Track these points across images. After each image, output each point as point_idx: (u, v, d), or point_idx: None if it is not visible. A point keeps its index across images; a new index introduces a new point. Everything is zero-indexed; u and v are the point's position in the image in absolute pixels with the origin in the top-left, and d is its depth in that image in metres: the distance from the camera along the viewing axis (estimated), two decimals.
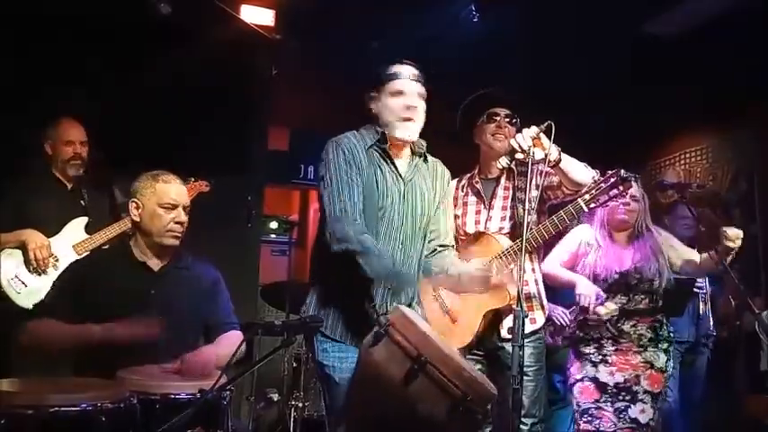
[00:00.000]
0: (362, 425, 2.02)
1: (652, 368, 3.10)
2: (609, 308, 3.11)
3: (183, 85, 4.18)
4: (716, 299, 3.98)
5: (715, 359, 3.98)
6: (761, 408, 3.56)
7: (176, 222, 2.54)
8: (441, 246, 2.52)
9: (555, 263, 3.17)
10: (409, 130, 2.38)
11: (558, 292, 3.22)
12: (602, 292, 3.07)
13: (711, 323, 3.87)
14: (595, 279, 3.11)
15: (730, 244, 2.95)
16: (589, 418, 3.05)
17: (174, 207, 2.54)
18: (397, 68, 2.38)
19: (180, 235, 2.56)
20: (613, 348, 3.10)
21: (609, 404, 3.05)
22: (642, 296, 3.13)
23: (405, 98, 2.36)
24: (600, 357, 3.10)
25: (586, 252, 3.18)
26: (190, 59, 4.12)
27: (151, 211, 2.53)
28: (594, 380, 3.08)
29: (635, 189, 3.13)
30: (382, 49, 4.72)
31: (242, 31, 4.46)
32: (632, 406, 3.05)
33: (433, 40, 4.42)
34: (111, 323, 2.34)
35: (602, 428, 3.03)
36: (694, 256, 3.20)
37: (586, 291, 3.04)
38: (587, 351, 3.14)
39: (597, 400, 3.06)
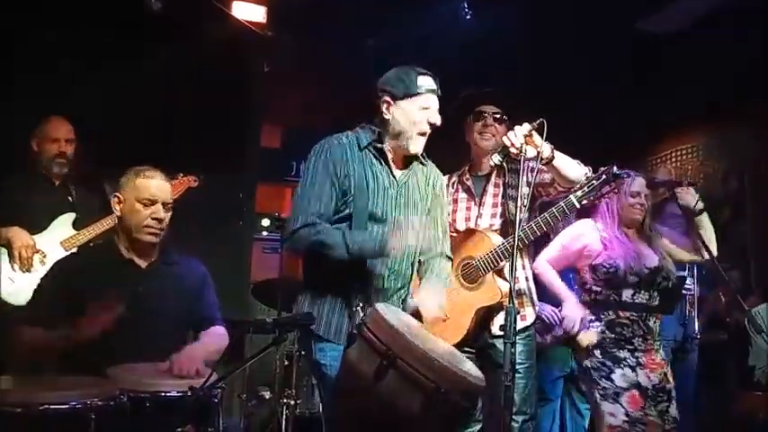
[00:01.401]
0: (345, 424, 2.02)
1: (668, 364, 3.11)
2: (590, 337, 3.04)
3: (174, 81, 4.17)
4: (704, 299, 3.99)
5: (704, 357, 3.99)
6: (752, 404, 3.57)
7: (153, 218, 2.48)
8: (431, 255, 2.51)
9: (545, 263, 3.09)
10: (422, 144, 2.40)
11: (546, 290, 3.20)
12: (587, 317, 3.04)
13: (697, 326, 3.87)
14: (630, 271, 3.03)
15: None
16: (642, 427, 2.96)
17: (153, 203, 2.49)
18: (424, 81, 2.36)
19: (158, 231, 2.51)
20: (643, 349, 3.04)
21: (652, 408, 2.98)
22: (657, 293, 3.10)
23: (430, 114, 2.36)
24: (635, 361, 3.02)
25: (608, 245, 3.10)
26: (181, 56, 4.11)
27: (130, 207, 2.50)
28: (638, 386, 2.99)
29: (643, 187, 3.13)
30: (377, 47, 4.72)
31: (233, 27, 4.44)
32: (671, 405, 3.01)
33: (428, 39, 4.42)
34: (77, 322, 2.30)
35: None
36: (685, 251, 3.23)
37: (572, 314, 3.00)
38: (623, 356, 3.02)
39: (643, 407, 2.97)
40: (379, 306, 2.06)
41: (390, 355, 1.87)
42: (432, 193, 2.52)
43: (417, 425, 1.90)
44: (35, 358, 2.35)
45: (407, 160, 2.45)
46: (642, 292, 3.07)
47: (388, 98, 2.37)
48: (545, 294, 3.18)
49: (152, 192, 2.49)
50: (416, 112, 2.34)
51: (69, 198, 3.43)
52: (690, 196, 3.15)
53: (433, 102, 2.37)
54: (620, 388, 2.99)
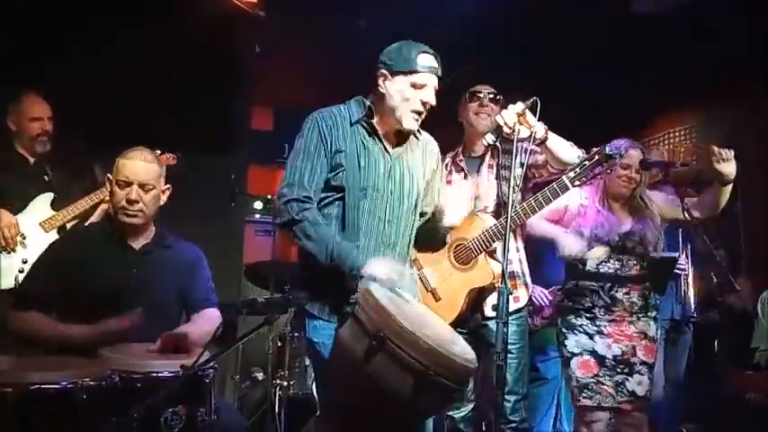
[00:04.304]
0: (335, 403, 2.03)
1: (646, 338, 3.08)
2: (597, 252, 3.03)
3: (165, 61, 4.12)
4: (698, 278, 4.01)
5: (697, 337, 4.02)
6: (742, 383, 3.60)
7: (128, 200, 2.45)
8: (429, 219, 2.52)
9: (537, 216, 3.03)
10: (417, 122, 2.37)
11: (538, 272, 3.19)
12: (583, 241, 3.01)
13: (693, 305, 3.89)
14: (596, 239, 3.05)
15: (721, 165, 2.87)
16: (590, 393, 3.00)
17: (128, 184, 2.46)
18: (424, 60, 2.30)
19: (135, 213, 2.47)
20: (607, 319, 3.05)
21: (608, 378, 3.01)
22: (634, 261, 3.10)
23: (425, 93, 2.31)
24: (595, 329, 3.04)
25: (583, 212, 3.12)
26: (172, 35, 4.06)
27: (111, 188, 2.51)
28: (593, 353, 3.03)
29: (635, 161, 3.08)
30: (369, 28, 4.67)
31: (225, 7, 4.39)
32: (630, 378, 3.02)
33: (421, 18, 4.38)
34: (97, 325, 2.31)
35: (602, 403, 3.00)
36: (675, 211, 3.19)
37: (568, 241, 2.98)
38: (580, 323, 3.07)
39: (596, 375, 3.01)
40: (373, 286, 2.05)
41: (380, 336, 1.87)
42: (429, 164, 2.50)
43: (407, 405, 1.91)
44: (32, 344, 2.34)
45: (401, 134, 2.42)
46: (611, 260, 3.08)
47: (385, 71, 2.33)
48: (537, 277, 3.18)
49: (125, 173, 2.46)
50: (410, 89, 2.30)
51: (45, 177, 3.39)
52: (732, 165, 2.96)
53: (430, 81, 2.32)
54: (570, 353, 3.07)
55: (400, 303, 2.07)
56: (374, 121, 2.37)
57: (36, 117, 3.35)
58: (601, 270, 3.09)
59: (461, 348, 2.08)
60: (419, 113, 2.34)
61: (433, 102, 2.34)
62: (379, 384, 1.87)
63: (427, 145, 2.51)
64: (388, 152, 2.38)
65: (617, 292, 3.08)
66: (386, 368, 1.86)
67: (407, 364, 1.85)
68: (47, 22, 3.92)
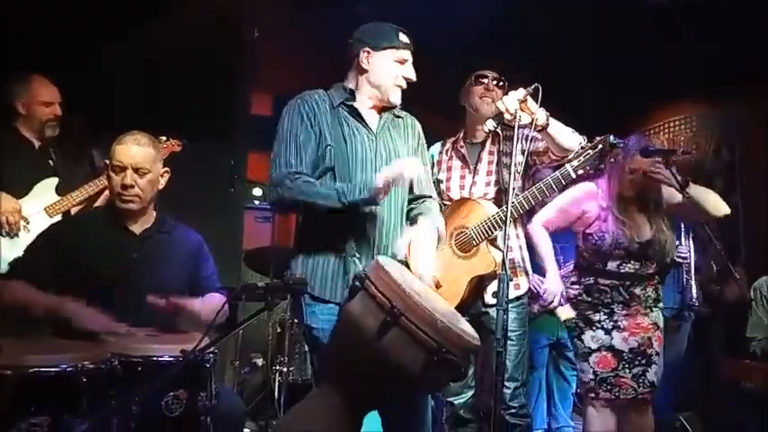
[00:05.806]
0: (341, 380, 2.02)
1: (658, 329, 3.09)
2: (568, 312, 3.12)
3: (163, 47, 4.10)
4: (699, 267, 4.01)
5: (697, 326, 4.03)
6: (740, 371, 3.62)
7: (123, 185, 2.44)
8: (421, 196, 2.49)
9: (540, 225, 3.08)
10: (399, 95, 2.41)
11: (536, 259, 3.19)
12: (564, 294, 3.08)
13: (694, 294, 3.89)
14: (616, 246, 3.01)
15: None
16: (609, 387, 3.00)
17: (122, 169, 2.44)
18: (403, 37, 2.39)
19: (131, 198, 2.46)
20: (624, 313, 3.04)
21: (627, 371, 3.01)
22: (651, 262, 3.09)
23: (405, 69, 2.38)
24: (612, 324, 3.04)
25: (604, 216, 3.06)
26: (171, 20, 4.04)
27: (108, 174, 2.50)
28: (611, 348, 3.02)
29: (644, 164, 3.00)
30: (370, 13, 4.64)
31: None
32: (649, 369, 3.02)
33: (423, 6, 4.36)
34: (84, 306, 2.28)
35: (621, 396, 3.00)
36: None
37: (553, 287, 3.03)
38: (597, 318, 3.05)
39: (615, 369, 3.00)
40: (382, 259, 2.04)
41: (395, 311, 1.86)
42: (411, 139, 2.51)
43: (415, 380, 1.91)
44: (20, 315, 2.33)
45: (382, 113, 2.44)
46: (632, 262, 3.06)
47: (368, 48, 2.37)
48: (535, 265, 3.17)
49: (119, 157, 2.45)
50: (394, 64, 2.37)
51: (50, 162, 3.34)
52: (677, 196, 3.01)
53: (410, 57, 2.39)
54: (588, 348, 3.05)
55: (410, 279, 2.07)
56: (355, 102, 2.39)
57: (48, 101, 3.31)
58: (621, 271, 3.05)
59: (467, 325, 2.09)
60: (401, 87, 2.40)
61: (414, 77, 2.40)
62: (390, 359, 1.86)
63: (408, 123, 2.52)
64: (371, 131, 2.39)
65: (635, 288, 3.07)
66: (398, 344, 1.86)
67: (421, 341, 1.86)
68: (48, 7, 3.89)
